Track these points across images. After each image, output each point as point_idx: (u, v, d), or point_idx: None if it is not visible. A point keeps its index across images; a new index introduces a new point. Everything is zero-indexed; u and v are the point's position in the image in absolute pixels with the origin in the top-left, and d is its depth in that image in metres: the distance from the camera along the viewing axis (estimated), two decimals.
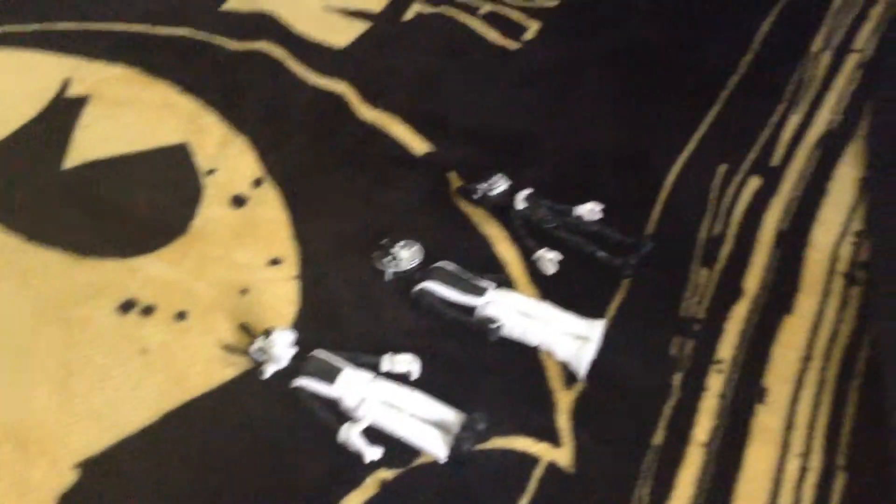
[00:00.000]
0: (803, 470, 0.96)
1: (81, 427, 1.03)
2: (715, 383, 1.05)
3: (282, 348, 1.04)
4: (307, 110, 1.44)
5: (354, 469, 0.98)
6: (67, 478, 0.98)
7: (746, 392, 1.03)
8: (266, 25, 1.61)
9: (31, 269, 1.20)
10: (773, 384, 1.04)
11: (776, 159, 1.32)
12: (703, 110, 1.40)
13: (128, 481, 0.99)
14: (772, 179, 1.29)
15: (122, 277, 1.18)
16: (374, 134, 1.39)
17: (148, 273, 1.19)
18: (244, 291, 1.16)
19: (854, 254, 1.18)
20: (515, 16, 1.62)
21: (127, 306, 1.15)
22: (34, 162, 1.36)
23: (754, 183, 1.29)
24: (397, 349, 1.07)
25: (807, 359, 1.06)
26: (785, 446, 0.98)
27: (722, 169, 1.30)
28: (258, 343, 1.06)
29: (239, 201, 1.28)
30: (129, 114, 1.43)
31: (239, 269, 1.19)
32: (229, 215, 1.26)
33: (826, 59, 1.49)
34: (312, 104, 1.45)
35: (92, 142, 1.39)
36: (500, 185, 1.25)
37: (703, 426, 1.00)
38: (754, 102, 1.42)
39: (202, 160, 1.35)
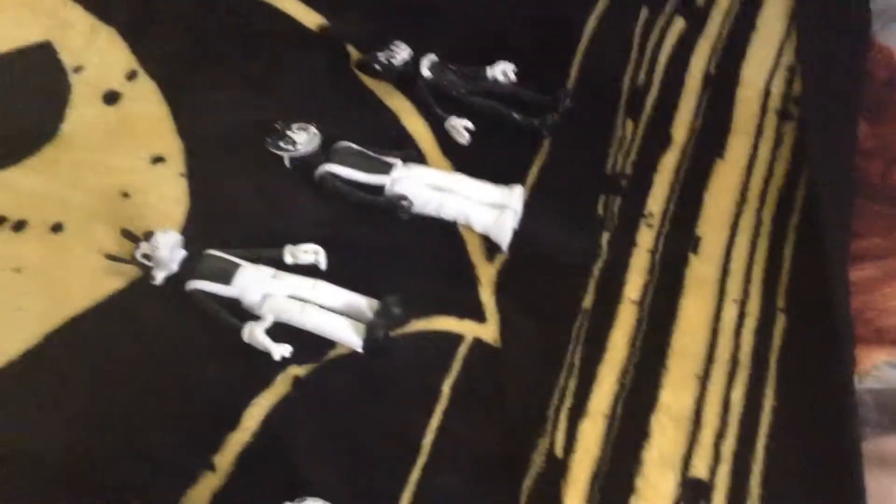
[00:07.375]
0: (741, 316, 0.90)
1: None
2: (645, 238, 0.97)
3: (167, 250, 0.93)
4: None
5: (263, 369, 0.89)
6: None
7: (679, 243, 0.96)
8: None
9: None
10: (706, 232, 0.97)
11: None
12: None
13: (16, 409, 0.89)
14: (697, 20, 1.19)
15: None
16: (260, 9, 1.24)
17: (15, 185, 1.05)
18: (126, 195, 1.04)
19: (786, 89, 1.10)
20: None
21: None
22: None
23: (679, 25, 1.19)
24: (304, 241, 0.97)
25: (741, 202, 1.00)
26: (721, 294, 0.92)
27: (644, 13, 1.20)
28: (142, 248, 0.95)
29: (112, 98, 1.13)
30: None
31: (117, 172, 1.06)
32: (103, 114, 1.12)
33: None
34: None
35: None
36: (401, 52, 1.13)
37: (635, 283, 0.94)
38: None
39: (68, 57, 1.19)
